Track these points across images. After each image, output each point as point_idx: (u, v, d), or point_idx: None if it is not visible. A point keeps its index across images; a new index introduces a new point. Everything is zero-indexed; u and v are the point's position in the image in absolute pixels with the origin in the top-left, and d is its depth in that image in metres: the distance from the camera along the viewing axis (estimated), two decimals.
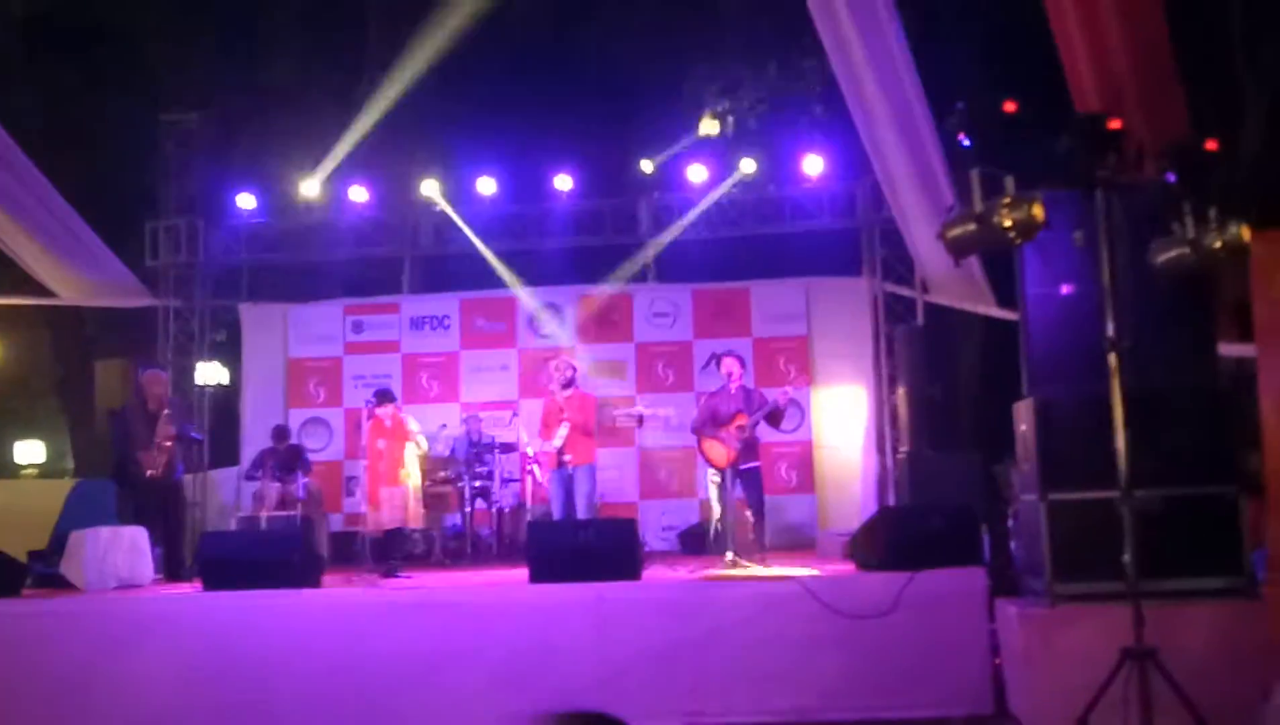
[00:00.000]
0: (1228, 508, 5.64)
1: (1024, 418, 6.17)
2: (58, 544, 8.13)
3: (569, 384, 8.79)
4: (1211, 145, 5.39)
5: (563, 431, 8.55)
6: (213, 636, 6.68)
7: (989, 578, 6.46)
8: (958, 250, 4.77)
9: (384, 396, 8.94)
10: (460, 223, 12.34)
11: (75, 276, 11.97)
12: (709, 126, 11.95)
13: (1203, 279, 5.80)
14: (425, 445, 9.03)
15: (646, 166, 12.01)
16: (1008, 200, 4.44)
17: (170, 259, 12.77)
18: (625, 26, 14.68)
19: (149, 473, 8.72)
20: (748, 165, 11.77)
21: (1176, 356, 5.86)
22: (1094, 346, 4.78)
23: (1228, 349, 7.38)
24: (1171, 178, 5.18)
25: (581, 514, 8.54)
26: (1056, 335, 6.09)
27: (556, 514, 8.74)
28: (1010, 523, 7.72)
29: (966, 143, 4.62)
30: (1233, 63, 10.74)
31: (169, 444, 8.84)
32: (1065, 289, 6.14)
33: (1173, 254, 5.17)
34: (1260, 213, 5.39)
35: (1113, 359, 4.56)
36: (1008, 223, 4.45)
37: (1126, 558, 4.46)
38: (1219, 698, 4.57)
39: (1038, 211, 4.44)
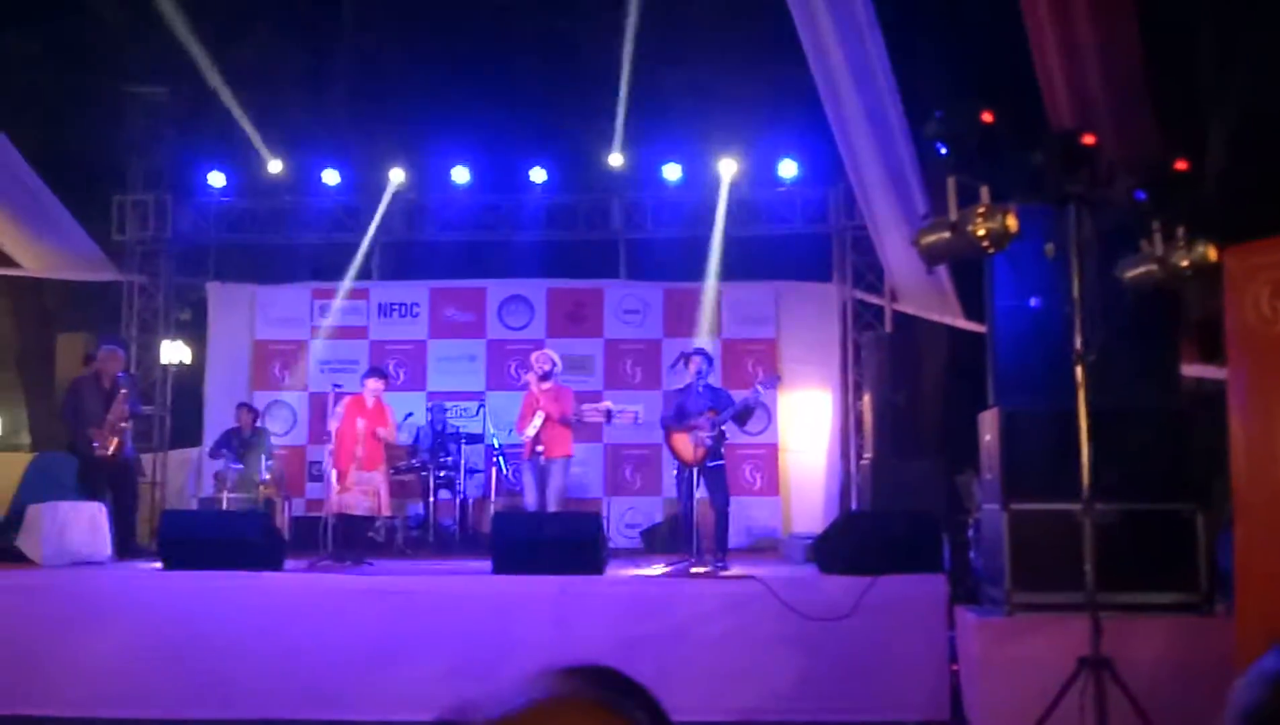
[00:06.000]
0: (1185, 524, 5.74)
1: (989, 428, 6.25)
2: (15, 517, 8.02)
3: (546, 377, 8.81)
4: (1181, 165, 5.48)
5: (537, 421, 8.56)
6: (172, 616, 6.63)
7: (949, 585, 6.53)
8: (931, 257, 4.82)
9: (377, 372, 9.00)
10: None
11: (40, 248, 11.82)
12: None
13: (1167, 298, 5.91)
14: (395, 438, 9.07)
15: (615, 160, 12.03)
16: (982, 209, 4.49)
17: (137, 234, 12.58)
18: (604, 23, 14.66)
19: (99, 451, 8.62)
20: (727, 166, 11.79)
21: (1141, 373, 5.96)
22: (1060, 360, 4.85)
23: (1189, 369, 7.50)
24: (1141, 195, 5.25)
25: (551, 507, 8.55)
26: (1023, 347, 6.17)
27: (530, 504, 8.74)
28: (970, 532, 7.82)
29: (944, 150, 4.66)
30: (1201, 84, 10.91)
31: (125, 425, 8.76)
32: (1034, 302, 6.22)
33: (1140, 271, 5.24)
34: (1228, 229, 5.49)
35: (1079, 372, 4.63)
36: (981, 232, 4.50)
37: (1087, 569, 4.53)
38: (1172, 710, 4.65)
39: (1012, 222, 4.49)
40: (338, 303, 12.24)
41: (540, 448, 8.59)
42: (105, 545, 8.09)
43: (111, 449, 8.66)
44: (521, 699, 0.92)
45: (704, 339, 11.45)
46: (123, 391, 8.80)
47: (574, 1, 14.83)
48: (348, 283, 12.17)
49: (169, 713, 6.39)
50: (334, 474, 8.49)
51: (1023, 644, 5.55)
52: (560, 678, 0.95)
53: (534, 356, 9.10)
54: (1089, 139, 4.84)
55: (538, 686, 0.93)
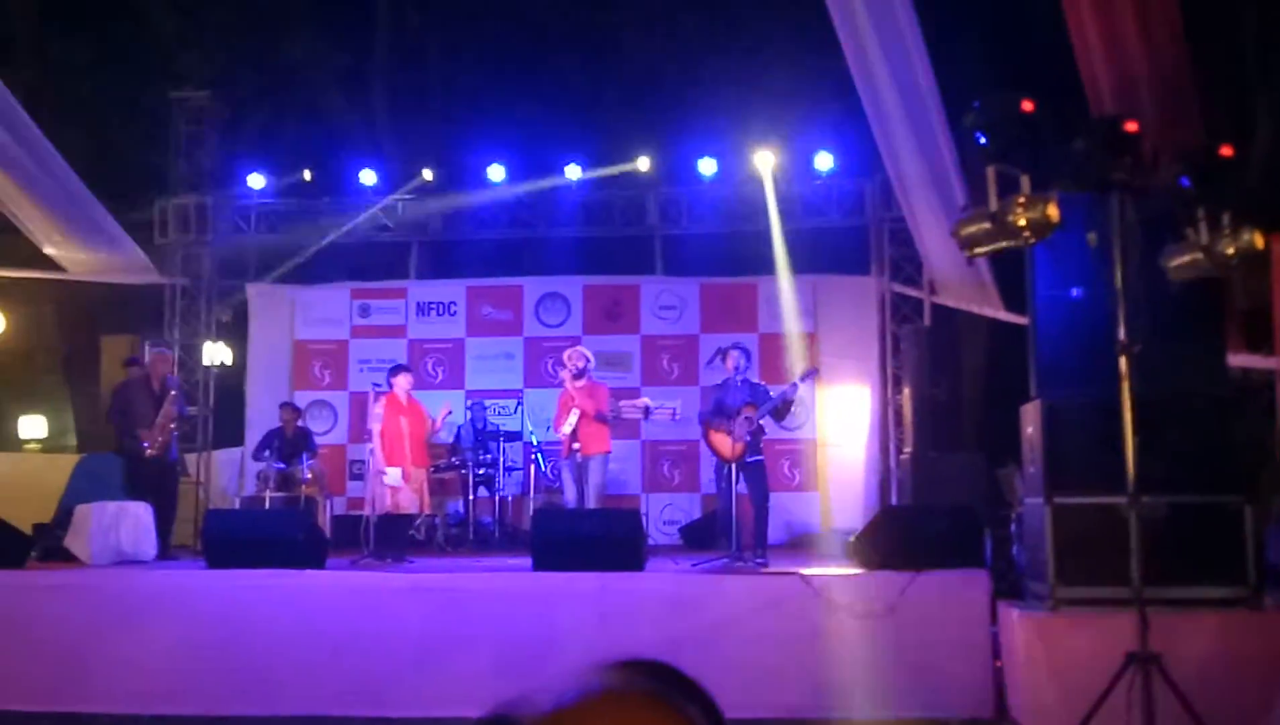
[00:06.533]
0: (1233, 517, 5.64)
1: (1030, 420, 6.17)
2: (63, 517, 8.15)
3: (580, 374, 8.84)
4: (1226, 151, 5.37)
5: (572, 418, 8.59)
6: (216, 614, 6.70)
7: (990, 580, 6.46)
8: (971, 247, 4.76)
9: (403, 368, 9.05)
10: None
11: (85, 252, 11.98)
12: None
13: (1213, 287, 5.81)
14: (439, 427, 9.11)
15: (643, 164, 12.01)
16: (1023, 199, 4.44)
17: (179, 237, 12.74)
18: (640, 18, 14.65)
19: (149, 451, 8.74)
20: (764, 160, 11.73)
21: (1186, 363, 5.86)
22: (1102, 350, 4.77)
23: (1235, 359, 7.37)
24: (1186, 182, 5.16)
25: (590, 503, 8.56)
26: (1065, 338, 6.09)
27: (570, 502, 8.77)
28: (1012, 526, 7.73)
29: (983, 140, 4.60)
30: (1247, 68, 10.73)
31: (173, 426, 8.88)
32: (1075, 292, 6.13)
33: (1186, 259, 5.16)
34: (1274, 216, 5.38)
35: (1123, 363, 4.55)
36: (1022, 221, 4.45)
37: (1133, 563, 4.46)
38: (1221, 707, 4.57)
39: (1053, 211, 4.43)
40: None
41: (577, 445, 8.61)
42: (151, 545, 8.19)
43: (160, 449, 8.80)
44: (575, 692, 0.91)
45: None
46: (172, 393, 8.94)
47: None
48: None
49: (213, 710, 6.46)
50: (395, 473, 8.49)
51: (1068, 640, 5.48)
52: (614, 671, 0.94)
53: (567, 354, 9.12)
54: (1131, 126, 4.77)
55: (591, 680, 0.92)
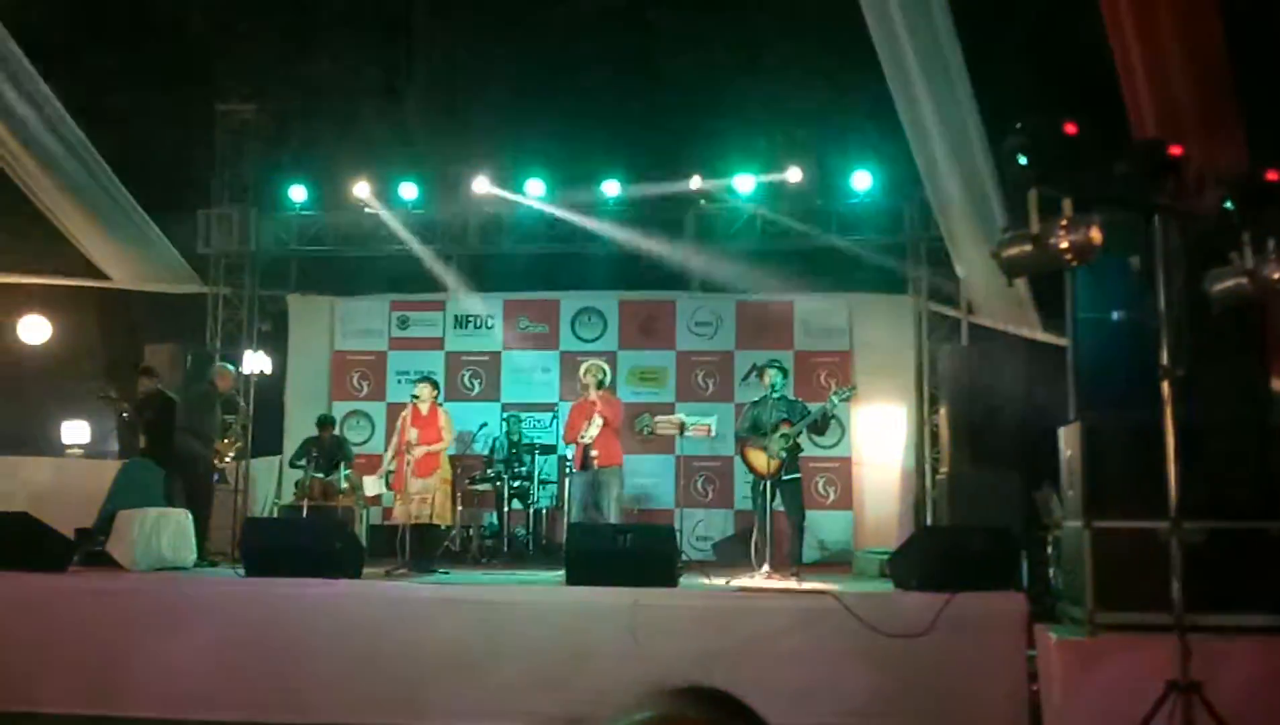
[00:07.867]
0: (1275, 543, 5.57)
1: (1070, 443, 6.13)
2: (105, 522, 8.25)
3: (601, 385, 8.92)
4: (1272, 176, 5.32)
5: (597, 422, 8.66)
6: (253, 621, 6.75)
7: (1027, 603, 6.40)
8: (1012, 270, 4.74)
9: (423, 379, 9.08)
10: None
11: (130, 261, 12.17)
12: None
13: (1257, 311, 5.75)
14: (447, 441, 8.95)
15: (695, 182, 12.04)
16: (1065, 222, 4.41)
17: (222, 247, 12.93)
18: (677, 35, 14.67)
19: (219, 463, 8.98)
20: (794, 173, 11.75)
21: (1228, 388, 5.80)
22: (1143, 374, 4.73)
23: (1278, 384, 7.27)
24: (1230, 207, 5.12)
25: (611, 517, 8.59)
26: (1106, 360, 6.04)
27: (574, 515, 8.80)
28: (1050, 548, 7.66)
29: (1025, 162, 4.58)
30: None
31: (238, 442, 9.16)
32: (1117, 315, 6.09)
33: (1229, 284, 5.10)
34: None
35: (1166, 387, 4.52)
36: (1064, 245, 4.42)
37: (1174, 589, 4.41)
38: None
39: (1095, 234, 4.40)
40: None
41: (595, 453, 8.67)
42: (190, 551, 8.29)
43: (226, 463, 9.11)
44: (631, 717, 0.93)
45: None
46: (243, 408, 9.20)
47: (647, 15, 14.88)
48: None
49: (248, 716, 6.49)
50: (372, 481, 8.90)
51: (1106, 665, 5.42)
52: (671, 697, 0.95)
53: (586, 365, 9.21)
54: (1175, 149, 4.73)
55: (646, 705, 0.94)
